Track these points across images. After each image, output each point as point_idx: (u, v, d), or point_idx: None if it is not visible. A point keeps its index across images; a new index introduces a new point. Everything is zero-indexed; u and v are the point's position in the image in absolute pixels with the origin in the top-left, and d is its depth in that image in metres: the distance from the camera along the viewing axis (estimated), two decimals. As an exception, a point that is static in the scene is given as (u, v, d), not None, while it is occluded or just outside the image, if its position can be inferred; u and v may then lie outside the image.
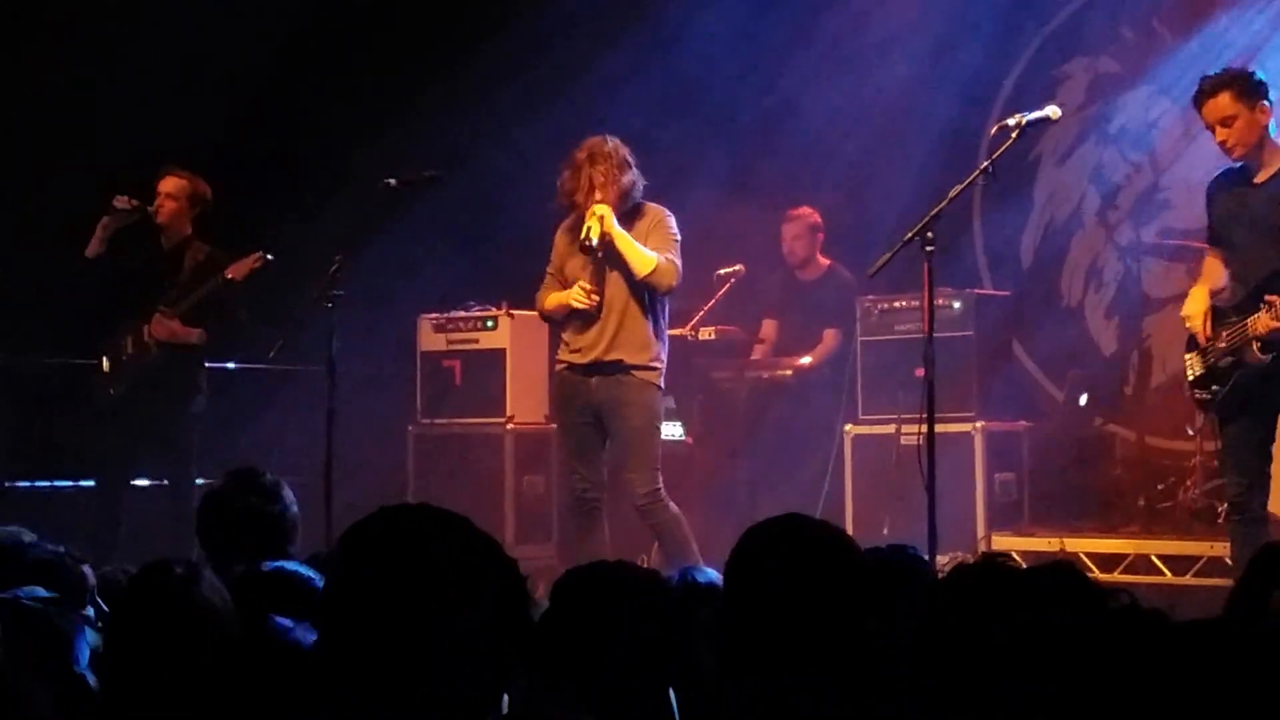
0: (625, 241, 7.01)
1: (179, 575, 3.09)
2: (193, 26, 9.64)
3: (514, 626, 2.22)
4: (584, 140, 7.17)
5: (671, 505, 7.12)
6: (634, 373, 7.07)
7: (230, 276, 7.97)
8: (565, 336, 7.27)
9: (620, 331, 7.08)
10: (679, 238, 7.18)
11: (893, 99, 9.74)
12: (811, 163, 9.88)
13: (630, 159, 7.12)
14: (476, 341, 9.31)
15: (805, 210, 9.39)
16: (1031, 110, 6.33)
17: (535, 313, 9.32)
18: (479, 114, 9.85)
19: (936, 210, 6.11)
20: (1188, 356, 6.52)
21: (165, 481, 8.15)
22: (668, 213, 7.24)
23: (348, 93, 10.31)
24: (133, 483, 8.28)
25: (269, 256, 7.97)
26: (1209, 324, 6.38)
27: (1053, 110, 6.39)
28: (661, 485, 7.10)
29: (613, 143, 7.13)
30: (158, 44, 9.46)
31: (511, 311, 9.23)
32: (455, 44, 10.11)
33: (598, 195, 7.02)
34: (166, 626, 3.00)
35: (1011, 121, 6.26)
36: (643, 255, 7.01)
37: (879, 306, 8.66)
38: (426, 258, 9.71)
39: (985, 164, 6.22)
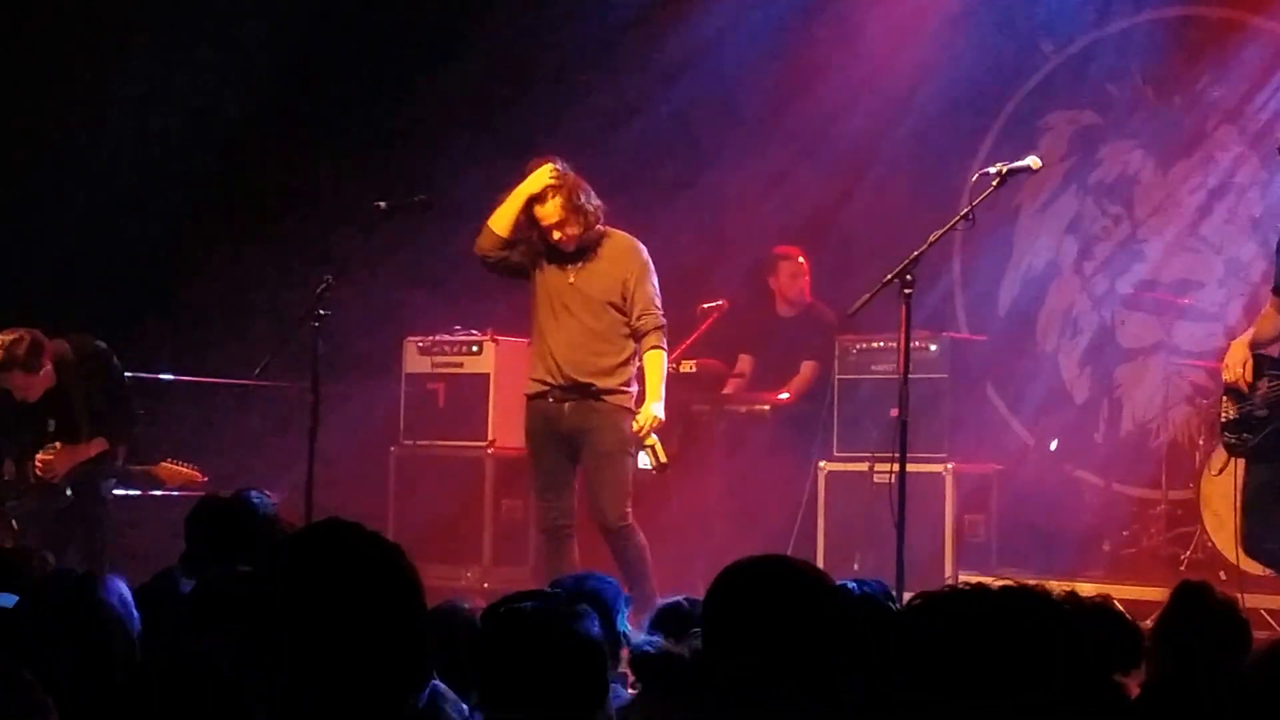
0: (657, 400, 6.99)
1: (68, 587, 3.15)
2: (190, 43, 9.72)
3: (413, 632, 2.37)
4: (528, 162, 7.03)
5: (640, 534, 7.10)
6: (605, 398, 7.05)
7: (162, 477, 7.86)
8: (533, 362, 7.25)
9: (590, 356, 7.06)
10: (654, 274, 7.15)
11: (877, 145, 9.86)
12: (796, 203, 9.98)
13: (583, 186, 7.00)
14: (461, 365, 9.33)
15: (795, 249, 9.50)
16: (1013, 159, 6.45)
17: (521, 339, 9.43)
18: (471, 140, 9.93)
19: (917, 253, 6.21)
20: (1224, 399, 6.58)
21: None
22: (642, 250, 7.14)
23: (343, 115, 10.38)
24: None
25: (204, 479, 7.83)
26: (1249, 371, 6.40)
27: (1034, 160, 6.49)
28: (630, 512, 7.09)
29: (561, 166, 7.00)
30: (148, 62, 9.55)
31: (497, 337, 9.29)
32: (447, 70, 10.17)
33: (567, 230, 6.97)
34: (65, 637, 3.05)
35: (993, 170, 6.36)
36: (662, 381, 7.03)
37: (857, 346, 8.76)
38: (414, 280, 9.77)
39: (966, 210, 6.33)
